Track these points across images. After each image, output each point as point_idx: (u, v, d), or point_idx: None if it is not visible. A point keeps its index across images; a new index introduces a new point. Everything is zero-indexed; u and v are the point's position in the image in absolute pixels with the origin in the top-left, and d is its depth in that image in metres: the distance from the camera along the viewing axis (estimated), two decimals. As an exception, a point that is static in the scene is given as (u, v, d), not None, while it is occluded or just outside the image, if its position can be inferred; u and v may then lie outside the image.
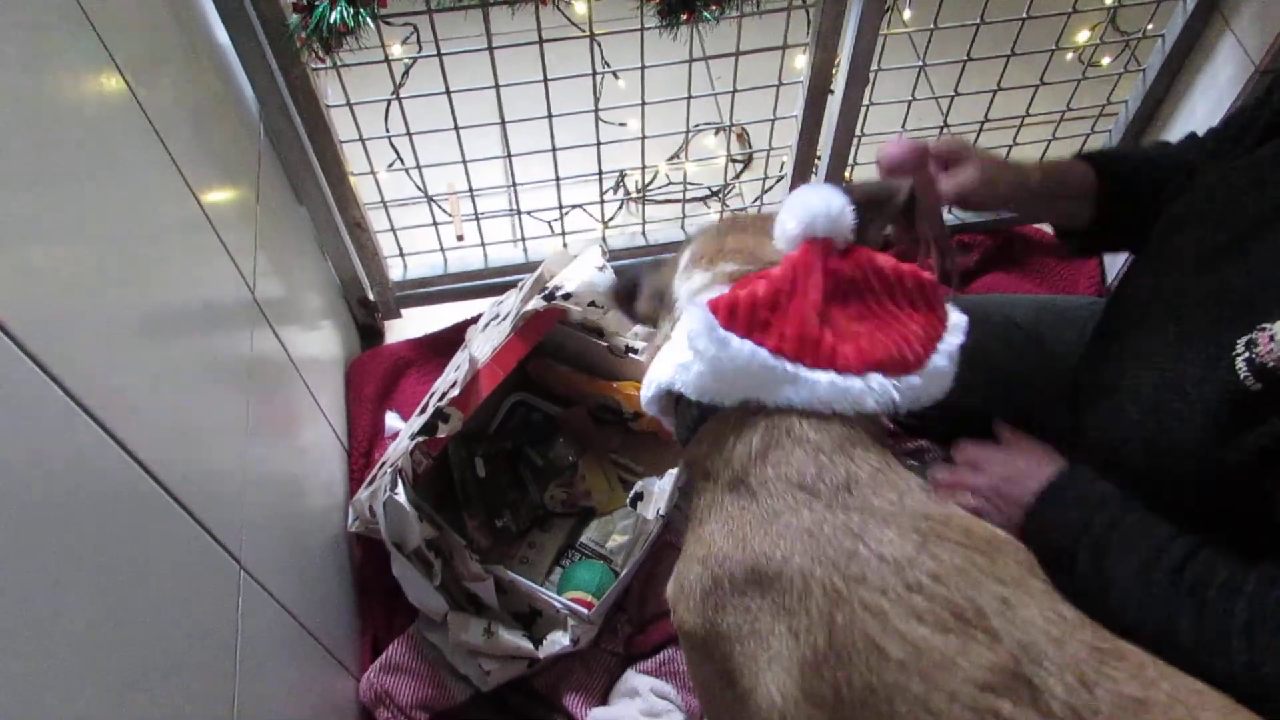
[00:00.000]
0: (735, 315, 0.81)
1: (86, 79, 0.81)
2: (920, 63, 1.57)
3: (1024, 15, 1.52)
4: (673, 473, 1.44)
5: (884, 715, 0.70)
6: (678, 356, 0.85)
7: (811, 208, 0.86)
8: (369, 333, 1.83)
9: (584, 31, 1.39)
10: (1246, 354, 0.81)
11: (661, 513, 1.40)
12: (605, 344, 1.57)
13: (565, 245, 1.70)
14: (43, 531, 0.61)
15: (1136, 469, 0.94)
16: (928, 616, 0.69)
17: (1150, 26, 1.65)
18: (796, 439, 0.79)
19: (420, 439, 1.31)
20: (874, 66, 1.50)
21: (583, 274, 1.52)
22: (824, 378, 0.79)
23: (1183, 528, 0.87)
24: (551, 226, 1.76)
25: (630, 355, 1.56)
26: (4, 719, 0.54)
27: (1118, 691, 0.67)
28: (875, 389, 0.80)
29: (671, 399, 0.90)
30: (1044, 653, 0.68)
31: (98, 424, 0.69)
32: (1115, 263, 1.80)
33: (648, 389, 0.90)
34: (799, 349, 0.80)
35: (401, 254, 1.71)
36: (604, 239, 1.76)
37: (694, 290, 0.90)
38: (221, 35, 1.23)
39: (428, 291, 1.76)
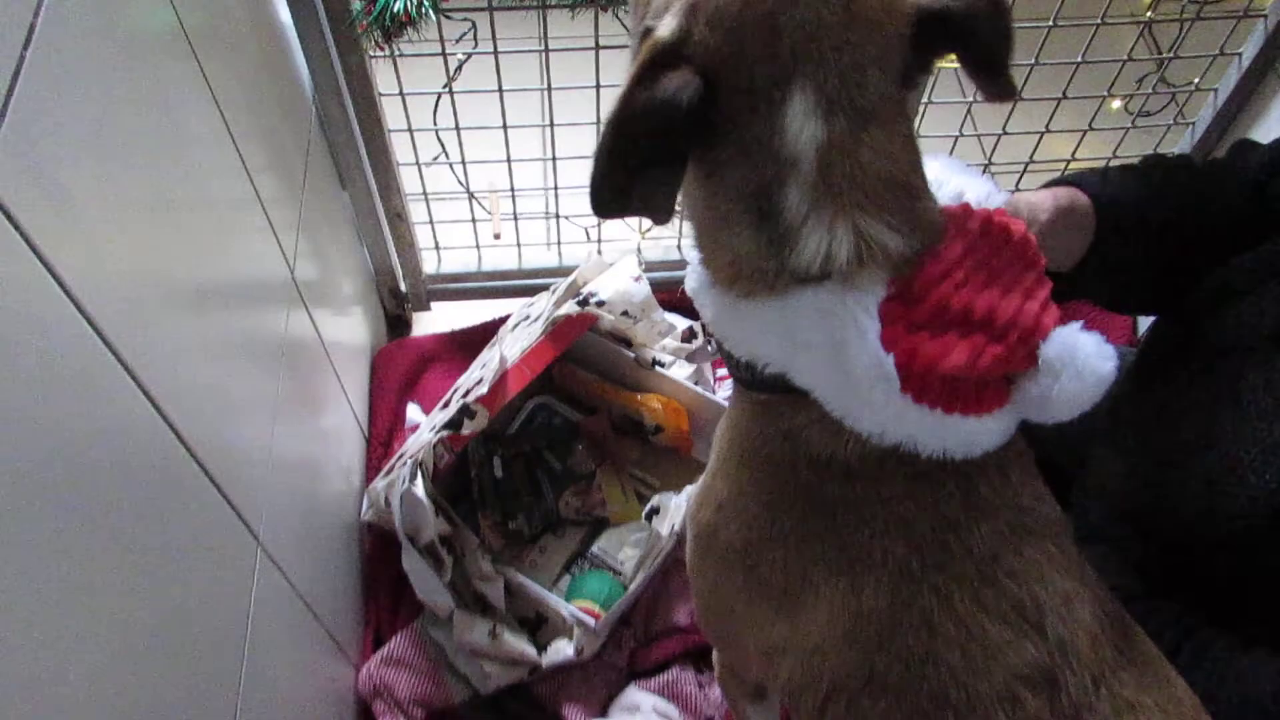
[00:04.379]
0: (925, 388, 0.68)
1: (157, 46, 0.81)
2: (969, 99, 1.56)
3: (1078, 60, 1.52)
4: (690, 489, 1.43)
5: (913, 676, 0.72)
6: (808, 348, 0.68)
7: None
8: (396, 323, 1.83)
9: (641, 42, 1.39)
10: None
11: (676, 529, 1.39)
12: (633, 355, 1.56)
13: (600, 253, 1.70)
14: (81, 486, 0.61)
15: (1158, 528, 0.94)
16: (991, 607, 0.71)
17: (1200, 81, 1.64)
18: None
19: (444, 433, 1.31)
20: (923, 99, 1.50)
21: (618, 283, 1.52)
22: (977, 426, 0.71)
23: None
24: (588, 233, 1.76)
25: (658, 369, 1.56)
26: (29, 663, 0.54)
27: (1118, 694, 0.71)
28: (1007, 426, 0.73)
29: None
30: (1078, 653, 0.71)
31: (141, 389, 0.69)
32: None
33: (710, 304, 0.73)
34: (965, 404, 0.70)
35: (437, 247, 1.71)
36: (640, 250, 1.76)
37: (845, 271, 0.65)
38: (284, 15, 1.23)
39: (459, 287, 1.76)
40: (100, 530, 0.63)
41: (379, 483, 1.40)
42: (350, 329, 1.55)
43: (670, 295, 1.71)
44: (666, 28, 0.64)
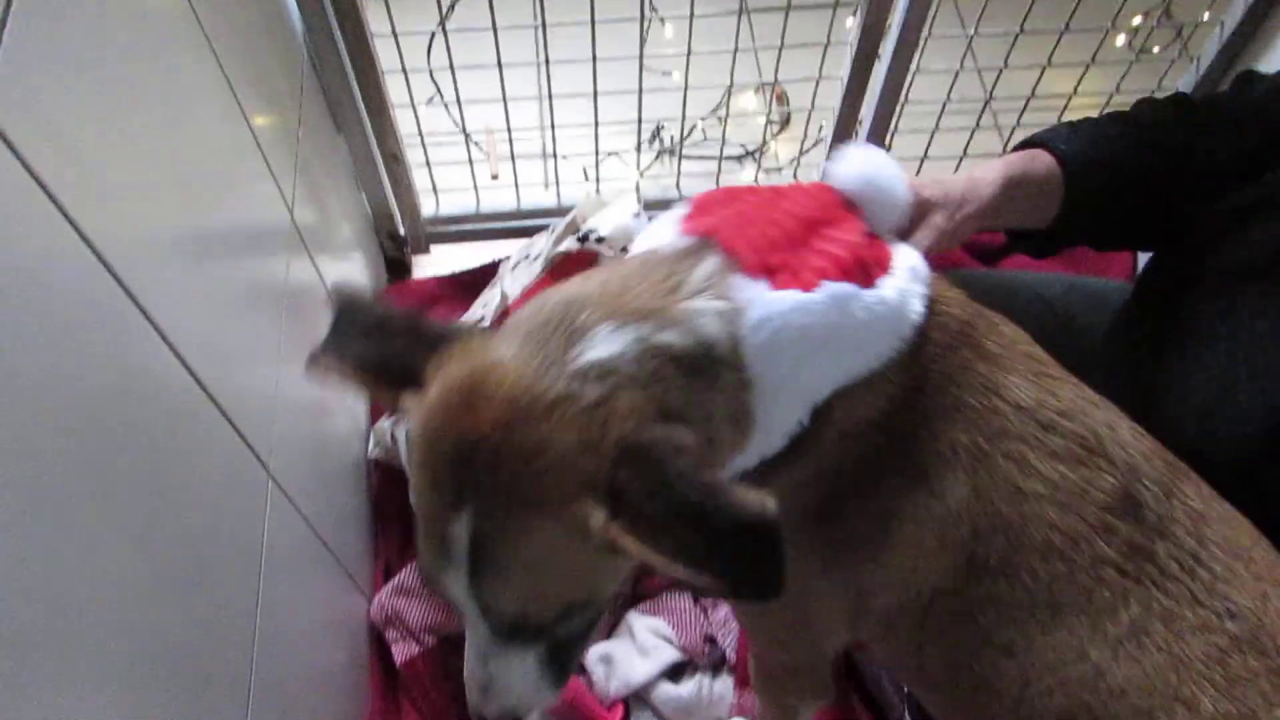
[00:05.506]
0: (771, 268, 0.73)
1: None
2: (970, 32, 1.55)
3: (1079, -9, 1.51)
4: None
5: (1015, 543, 0.76)
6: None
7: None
8: (396, 267, 1.84)
9: (635, -24, 1.39)
10: None
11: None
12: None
13: (598, 192, 1.71)
14: (105, 421, 0.64)
15: None
16: (1061, 452, 0.76)
17: (1207, 16, 1.62)
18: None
19: (446, 372, 1.33)
20: (924, 33, 1.49)
21: (617, 218, 1.53)
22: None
23: None
24: (586, 172, 1.76)
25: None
26: (47, 596, 0.57)
27: (1188, 507, 0.77)
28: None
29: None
30: (1140, 469, 0.77)
31: (158, 332, 0.71)
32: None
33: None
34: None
35: (435, 190, 1.72)
36: (638, 188, 1.76)
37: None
38: (274, -45, 1.23)
39: (458, 229, 1.77)
40: (124, 462, 0.66)
41: (385, 421, 1.43)
42: (350, 273, 1.56)
43: (668, 233, 1.71)
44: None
